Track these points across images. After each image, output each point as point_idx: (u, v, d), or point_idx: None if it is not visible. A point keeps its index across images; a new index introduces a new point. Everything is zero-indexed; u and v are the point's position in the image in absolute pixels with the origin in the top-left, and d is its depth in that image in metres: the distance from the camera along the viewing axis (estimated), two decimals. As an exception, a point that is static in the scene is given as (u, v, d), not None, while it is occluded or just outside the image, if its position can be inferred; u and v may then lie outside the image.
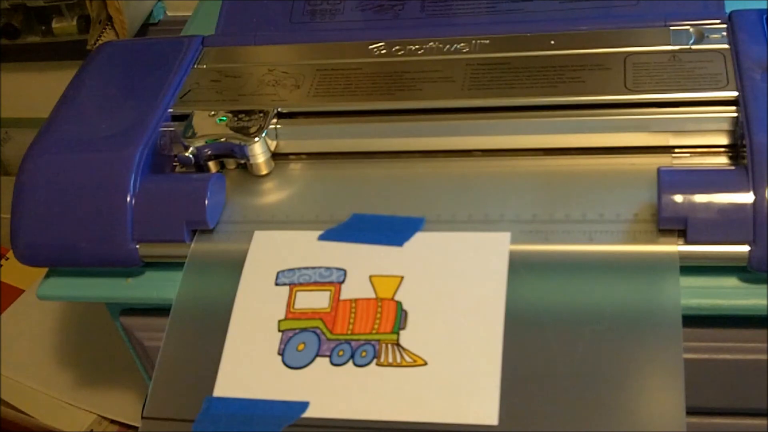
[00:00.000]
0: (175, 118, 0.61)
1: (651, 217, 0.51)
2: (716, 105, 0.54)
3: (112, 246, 0.56)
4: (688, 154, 0.56)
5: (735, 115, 0.53)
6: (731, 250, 0.49)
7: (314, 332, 0.51)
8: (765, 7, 0.60)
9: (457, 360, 0.48)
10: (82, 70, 0.67)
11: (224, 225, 0.57)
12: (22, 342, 1.00)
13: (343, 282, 0.53)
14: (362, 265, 0.53)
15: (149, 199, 0.56)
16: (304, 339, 0.51)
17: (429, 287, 0.51)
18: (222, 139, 0.58)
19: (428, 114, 0.58)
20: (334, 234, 0.55)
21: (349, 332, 0.51)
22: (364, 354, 0.50)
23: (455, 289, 0.51)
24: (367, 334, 0.50)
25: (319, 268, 0.54)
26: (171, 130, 0.60)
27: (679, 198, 0.49)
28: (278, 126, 0.60)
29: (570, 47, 0.60)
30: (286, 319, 0.52)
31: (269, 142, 0.59)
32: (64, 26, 0.96)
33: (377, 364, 0.49)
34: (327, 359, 0.50)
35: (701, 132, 0.55)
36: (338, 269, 0.53)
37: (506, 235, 0.52)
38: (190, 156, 0.58)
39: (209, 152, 0.59)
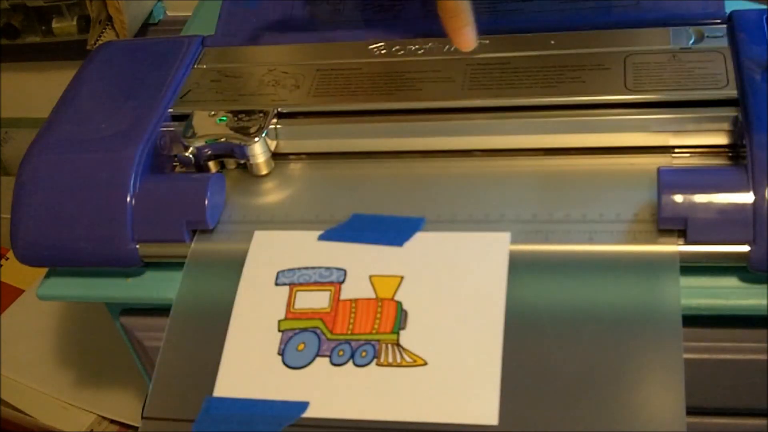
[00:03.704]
0: (175, 118, 0.61)
1: (651, 217, 0.51)
2: (716, 105, 0.54)
3: (112, 246, 0.56)
4: (688, 154, 0.56)
5: (735, 115, 0.53)
6: (731, 250, 0.49)
7: (314, 332, 0.51)
8: (765, 7, 0.60)
9: (457, 360, 0.48)
10: (82, 70, 0.67)
11: (224, 225, 0.57)
12: (22, 342, 1.00)
13: (343, 282, 0.53)
14: (362, 265, 0.53)
15: (149, 199, 0.56)
16: (304, 339, 0.51)
17: (429, 287, 0.51)
18: (222, 139, 0.58)
19: (428, 114, 0.58)
20: (334, 234, 0.55)
21: (349, 332, 0.51)
22: (364, 354, 0.50)
23: (455, 289, 0.51)
24: (367, 334, 0.50)
25: (319, 268, 0.54)
26: (171, 130, 0.60)
27: (679, 198, 0.49)
28: (278, 126, 0.60)
29: (570, 47, 0.60)
30: (286, 319, 0.52)
31: (269, 142, 0.59)
32: (64, 26, 0.96)
33: (377, 364, 0.49)
34: (327, 359, 0.50)
35: (701, 132, 0.55)
36: (338, 269, 0.53)
37: (506, 235, 0.52)
38: (190, 156, 0.58)
39: (209, 152, 0.59)
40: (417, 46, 0.63)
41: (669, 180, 0.50)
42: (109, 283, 0.58)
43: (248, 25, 0.70)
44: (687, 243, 0.49)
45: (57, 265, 0.60)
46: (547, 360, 0.48)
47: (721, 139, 0.55)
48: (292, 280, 0.54)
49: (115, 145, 0.58)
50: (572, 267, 0.51)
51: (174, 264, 0.56)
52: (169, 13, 0.99)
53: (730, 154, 0.55)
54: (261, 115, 0.59)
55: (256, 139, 0.58)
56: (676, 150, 0.56)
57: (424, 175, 0.58)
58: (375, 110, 0.59)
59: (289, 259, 0.54)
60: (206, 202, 0.55)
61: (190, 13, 0.79)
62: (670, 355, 0.47)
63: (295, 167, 0.61)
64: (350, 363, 0.50)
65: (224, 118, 0.59)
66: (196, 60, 0.66)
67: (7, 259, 1.13)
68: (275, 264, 0.54)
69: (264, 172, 0.60)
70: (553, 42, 0.60)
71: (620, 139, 0.56)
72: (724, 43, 0.57)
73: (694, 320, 0.50)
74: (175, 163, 0.61)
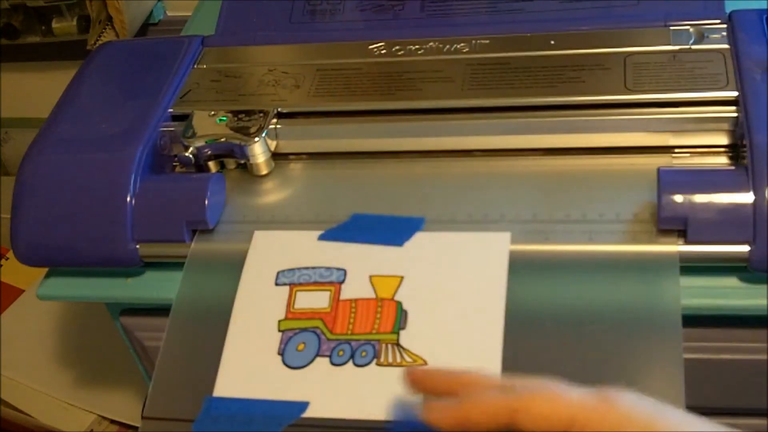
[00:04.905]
0: (175, 118, 0.61)
1: (651, 217, 0.51)
2: (716, 105, 0.54)
3: (112, 246, 0.56)
4: (688, 154, 0.56)
5: (735, 115, 0.53)
6: (731, 250, 0.49)
7: (314, 332, 0.51)
8: (765, 7, 0.60)
9: (457, 360, 0.48)
10: (82, 70, 0.67)
11: (224, 225, 0.57)
12: (22, 342, 1.00)
13: (343, 282, 0.53)
14: (362, 265, 0.53)
15: (149, 199, 0.56)
16: (304, 339, 0.51)
17: (429, 287, 0.51)
18: (222, 139, 0.58)
19: (428, 114, 0.58)
20: (334, 234, 0.55)
21: (349, 332, 0.51)
22: (364, 354, 0.50)
23: (455, 289, 0.51)
24: (367, 334, 0.50)
25: (319, 268, 0.54)
26: (171, 130, 0.60)
27: (679, 198, 0.49)
28: (278, 126, 0.60)
29: (570, 47, 0.60)
30: (286, 319, 0.52)
31: (269, 142, 0.59)
32: (64, 26, 0.96)
33: (377, 364, 0.49)
34: (327, 359, 0.50)
35: (701, 132, 0.55)
36: (338, 269, 0.53)
37: (506, 235, 0.52)
38: (190, 156, 0.58)
39: (209, 152, 0.59)
40: (417, 46, 0.63)
41: (669, 180, 0.50)
42: (109, 283, 0.58)
43: (248, 25, 0.70)
44: (687, 243, 0.49)
45: (57, 265, 0.60)
46: (547, 360, 0.48)
47: (721, 139, 0.55)
48: (292, 280, 0.53)
49: (115, 145, 0.58)
50: (572, 267, 0.51)
51: (174, 264, 0.56)
52: (169, 13, 0.99)
53: (730, 154, 0.55)
54: (261, 115, 0.59)
55: (256, 139, 0.58)
56: (676, 150, 0.56)
57: (424, 175, 0.58)
58: (375, 110, 0.59)
59: (289, 259, 0.54)
60: (206, 202, 0.55)
61: (190, 13, 0.79)
62: (670, 355, 0.47)
63: (295, 167, 0.61)
64: (350, 363, 0.50)
65: (224, 118, 0.59)
66: (196, 60, 0.66)
67: (7, 259, 1.13)
68: (275, 264, 0.54)
69: (264, 172, 0.60)
70: (553, 42, 0.60)
71: (620, 139, 0.56)
72: (724, 43, 0.57)
73: (694, 320, 0.50)
74: (175, 163, 0.61)
